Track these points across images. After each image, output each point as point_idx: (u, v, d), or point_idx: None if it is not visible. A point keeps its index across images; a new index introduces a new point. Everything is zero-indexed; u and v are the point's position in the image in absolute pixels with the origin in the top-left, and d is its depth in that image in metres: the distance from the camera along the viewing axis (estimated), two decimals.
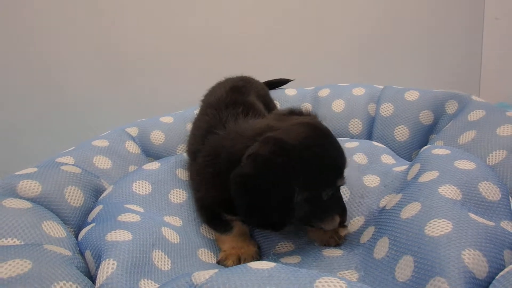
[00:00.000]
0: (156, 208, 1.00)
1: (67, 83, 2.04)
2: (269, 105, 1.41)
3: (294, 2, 2.11)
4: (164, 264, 0.79)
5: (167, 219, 0.97)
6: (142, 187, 1.04)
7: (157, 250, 0.80)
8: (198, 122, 1.20)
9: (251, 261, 0.86)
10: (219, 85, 1.33)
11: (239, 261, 0.90)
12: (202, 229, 1.01)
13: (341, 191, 1.02)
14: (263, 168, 0.79)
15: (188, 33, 2.05)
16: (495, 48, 2.14)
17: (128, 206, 0.95)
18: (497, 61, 2.12)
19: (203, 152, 1.01)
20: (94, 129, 1.30)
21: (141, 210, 0.96)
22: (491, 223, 0.73)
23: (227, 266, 0.87)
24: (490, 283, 0.63)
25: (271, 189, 0.79)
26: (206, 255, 0.93)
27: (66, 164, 1.05)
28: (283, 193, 0.80)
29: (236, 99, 1.19)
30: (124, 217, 0.87)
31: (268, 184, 0.79)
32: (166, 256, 0.81)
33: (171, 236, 0.88)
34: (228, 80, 1.35)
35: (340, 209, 0.89)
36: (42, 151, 1.58)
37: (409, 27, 2.21)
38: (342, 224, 0.92)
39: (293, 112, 0.97)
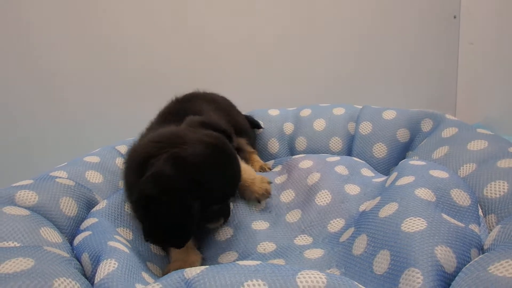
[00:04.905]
0: None
1: (69, 94, 2.11)
2: (235, 118, 1.41)
3: (276, 26, 2.21)
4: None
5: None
6: None
7: (145, 273, 0.83)
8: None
9: None
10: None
11: None
12: None
13: (322, 196, 1.09)
14: (166, 187, 0.83)
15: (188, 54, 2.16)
16: (470, 72, 2.23)
17: (119, 230, 0.98)
18: (472, 84, 2.21)
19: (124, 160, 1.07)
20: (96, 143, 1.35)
21: (131, 237, 0.98)
22: (461, 224, 0.79)
23: None
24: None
25: (174, 208, 0.84)
26: None
27: (60, 177, 1.08)
28: (184, 211, 0.84)
29: (175, 108, 1.25)
30: (120, 238, 0.91)
31: (170, 203, 0.83)
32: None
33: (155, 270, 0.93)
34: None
35: (226, 214, 1.02)
36: (44, 162, 1.60)
37: (387, 51, 2.30)
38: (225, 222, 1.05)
39: (205, 125, 1.02)
